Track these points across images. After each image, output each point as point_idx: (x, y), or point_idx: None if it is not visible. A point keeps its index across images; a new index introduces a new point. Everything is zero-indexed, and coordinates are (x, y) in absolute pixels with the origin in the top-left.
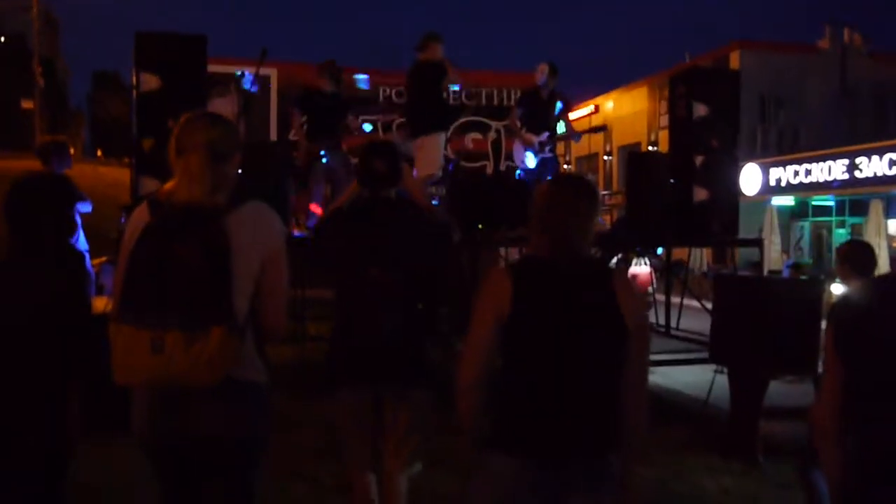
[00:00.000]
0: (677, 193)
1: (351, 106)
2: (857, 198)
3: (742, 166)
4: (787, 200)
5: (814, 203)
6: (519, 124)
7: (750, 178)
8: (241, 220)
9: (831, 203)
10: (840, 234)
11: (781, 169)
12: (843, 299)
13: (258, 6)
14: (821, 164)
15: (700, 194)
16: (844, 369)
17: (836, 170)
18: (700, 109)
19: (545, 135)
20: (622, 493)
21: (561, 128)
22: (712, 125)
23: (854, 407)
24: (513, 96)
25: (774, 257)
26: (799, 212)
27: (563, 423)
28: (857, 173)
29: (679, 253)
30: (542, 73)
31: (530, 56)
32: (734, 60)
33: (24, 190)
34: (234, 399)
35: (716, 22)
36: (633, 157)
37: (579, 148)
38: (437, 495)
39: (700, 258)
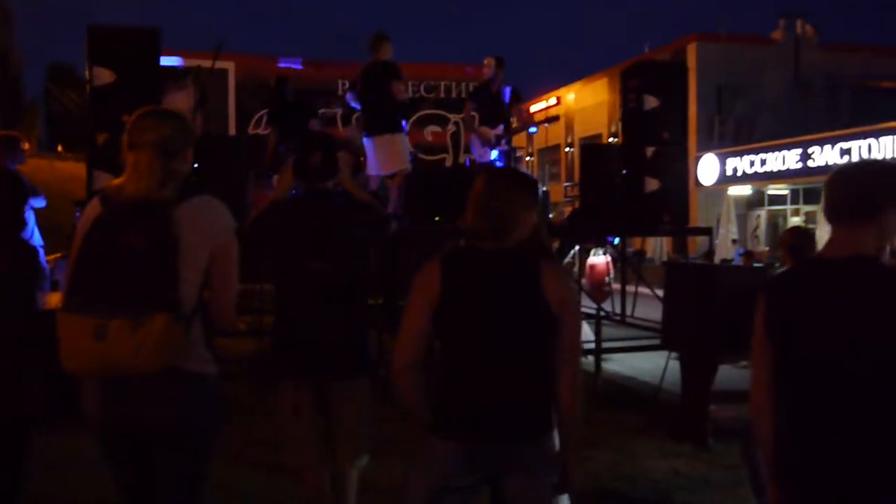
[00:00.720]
0: (629, 184)
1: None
2: (810, 186)
3: (700, 157)
4: (744, 190)
5: (769, 192)
6: (474, 118)
7: (708, 169)
8: (189, 212)
9: (786, 192)
10: (795, 222)
11: (738, 159)
12: (773, 279)
13: None
14: (775, 153)
15: (651, 185)
16: (772, 347)
17: (789, 159)
18: (651, 102)
19: (500, 127)
20: (559, 472)
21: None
22: (663, 117)
23: (780, 384)
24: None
25: (730, 246)
26: (755, 201)
27: (492, 406)
28: (809, 162)
29: (640, 244)
30: (488, 66)
31: (492, 49)
32: (691, 52)
33: None
34: (179, 388)
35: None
36: (586, 149)
37: (540, 140)
38: (387, 484)
39: (660, 248)
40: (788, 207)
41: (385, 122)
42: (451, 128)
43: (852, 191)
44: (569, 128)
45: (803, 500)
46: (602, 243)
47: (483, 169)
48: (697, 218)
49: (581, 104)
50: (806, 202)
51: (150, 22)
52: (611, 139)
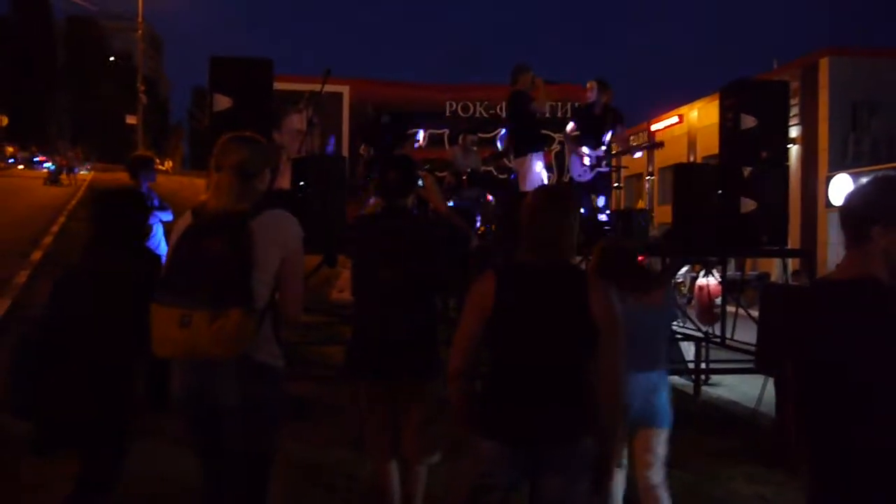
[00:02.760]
0: (724, 204)
1: (418, 121)
2: None
3: (831, 177)
4: None
5: None
6: (576, 138)
7: (839, 189)
8: (264, 223)
9: None
10: None
11: None
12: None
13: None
14: None
15: (748, 205)
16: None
17: None
18: (748, 121)
19: (601, 150)
20: (595, 475)
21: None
22: (761, 137)
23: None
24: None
25: None
26: None
27: (534, 409)
28: None
29: (766, 266)
30: (591, 90)
31: (612, 66)
32: (823, 68)
33: (102, 200)
34: (249, 375)
35: (806, 28)
36: (679, 169)
37: (662, 159)
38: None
39: (786, 271)
40: None
41: (520, 148)
42: (555, 147)
43: (848, 212)
44: (691, 146)
45: None
46: (707, 264)
47: (534, 191)
48: (828, 239)
49: (704, 122)
50: None
51: (276, 52)
52: None
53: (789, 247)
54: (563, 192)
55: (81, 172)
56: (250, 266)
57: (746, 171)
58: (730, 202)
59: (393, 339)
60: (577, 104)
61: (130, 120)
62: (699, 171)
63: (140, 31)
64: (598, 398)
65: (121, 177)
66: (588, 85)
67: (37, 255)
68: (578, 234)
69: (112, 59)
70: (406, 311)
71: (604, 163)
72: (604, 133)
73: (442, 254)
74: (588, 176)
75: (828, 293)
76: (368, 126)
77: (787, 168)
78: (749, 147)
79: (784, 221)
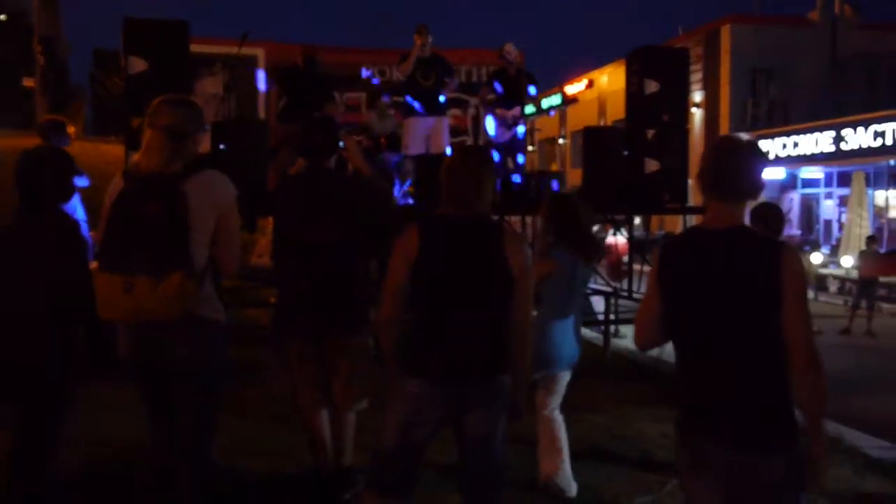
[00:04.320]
0: (630, 165)
1: (333, 84)
2: (844, 169)
3: None
4: (778, 173)
5: (803, 175)
6: (492, 99)
7: None
8: (196, 185)
9: (820, 175)
10: (828, 206)
11: (770, 141)
12: (665, 240)
13: None
14: (808, 136)
15: (651, 166)
16: (662, 299)
17: (823, 142)
18: (651, 86)
19: (516, 109)
20: (512, 407)
21: (530, 108)
22: (663, 101)
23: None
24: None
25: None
26: (789, 184)
27: (455, 350)
28: (842, 145)
29: (671, 226)
30: (508, 52)
31: (526, 29)
32: (725, 34)
33: (30, 159)
34: (193, 331)
35: None
36: (588, 132)
37: (574, 122)
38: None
39: None
40: (822, 190)
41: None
42: (471, 111)
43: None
44: (601, 111)
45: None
46: (614, 223)
47: (452, 151)
48: None
49: (613, 87)
50: (840, 185)
51: (190, 12)
52: None
53: (691, 205)
54: (479, 151)
55: None
56: (188, 230)
57: (650, 133)
58: (635, 163)
59: (320, 298)
60: (491, 68)
61: (28, 83)
62: (607, 134)
63: None
64: (511, 338)
65: (28, 143)
66: (505, 48)
67: None
68: (494, 192)
69: (3, 17)
70: (332, 270)
71: (521, 121)
72: (519, 94)
73: (364, 213)
74: (505, 137)
75: (700, 239)
76: (289, 76)
77: (687, 131)
78: (652, 111)
79: (685, 181)
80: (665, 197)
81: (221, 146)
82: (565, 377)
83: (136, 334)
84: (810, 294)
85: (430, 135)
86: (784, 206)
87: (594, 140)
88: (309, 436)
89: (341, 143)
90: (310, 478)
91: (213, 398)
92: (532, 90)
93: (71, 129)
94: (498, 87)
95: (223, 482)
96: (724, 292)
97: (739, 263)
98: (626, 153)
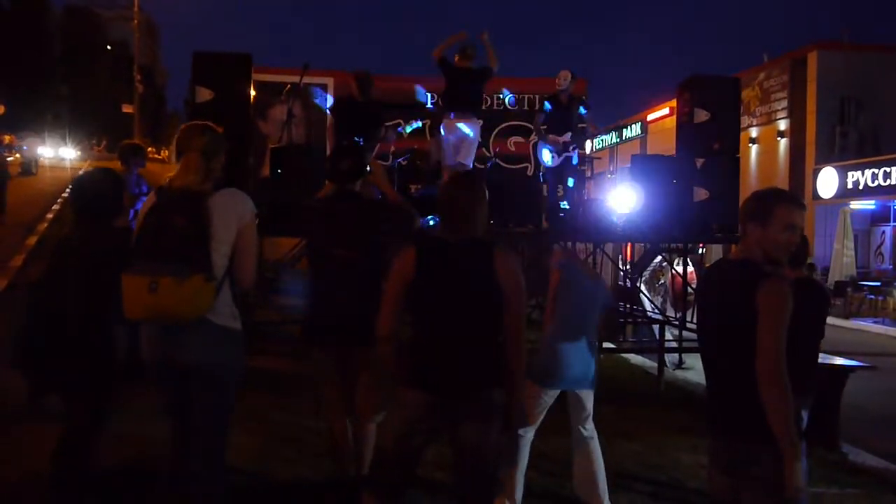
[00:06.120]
0: (679, 194)
1: (389, 111)
2: None
3: (818, 170)
4: (868, 204)
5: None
6: (543, 126)
7: (826, 182)
8: (221, 200)
9: None
10: None
11: (860, 172)
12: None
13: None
14: None
15: (700, 195)
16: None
17: None
18: (701, 115)
19: (567, 135)
20: (504, 421)
21: (609, 136)
22: (714, 130)
23: None
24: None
25: (847, 262)
26: (880, 216)
27: (448, 366)
28: None
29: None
30: (563, 78)
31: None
32: (812, 61)
33: (83, 182)
34: (210, 336)
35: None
36: (636, 159)
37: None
38: None
39: None
40: None
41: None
42: (532, 138)
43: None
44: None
45: None
46: (671, 252)
47: (447, 177)
48: (814, 231)
49: None
50: None
51: (306, 50)
52: None
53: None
54: (470, 178)
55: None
56: (209, 238)
57: (699, 162)
58: (683, 192)
59: (345, 314)
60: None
61: (127, 109)
62: (657, 162)
63: (136, 19)
64: (504, 353)
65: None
66: (561, 74)
67: (32, 241)
68: (486, 216)
69: (108, 47)
70: (355, 287)
71: (571, 147)
72: (570, 119)
73: (387, 233)
74: (556, 162)
75: (719, 270)
76: (339, 105)
77: (737, 159)
78: (703, 139)
79: (735, 210)
80: (713, 226)
81: (279, 170)
82: (588, 396)
83: (157, 335)
84: None
85: (459, 144)
86: (875, 240)
87: (643, 168)
88: (331, 443)
89: (368, 168)
90: (331, 484)
91: (227, 402)
92: (582, 110)
93: (165, 153)
94: (548, 106)
95: (247, 487)
96: (718, 320)
97: (729, 295)
98: (674, 181)
